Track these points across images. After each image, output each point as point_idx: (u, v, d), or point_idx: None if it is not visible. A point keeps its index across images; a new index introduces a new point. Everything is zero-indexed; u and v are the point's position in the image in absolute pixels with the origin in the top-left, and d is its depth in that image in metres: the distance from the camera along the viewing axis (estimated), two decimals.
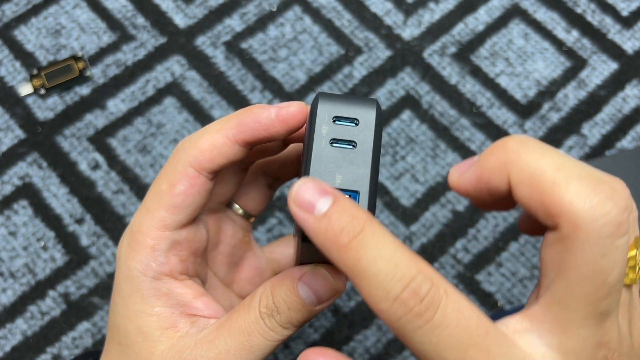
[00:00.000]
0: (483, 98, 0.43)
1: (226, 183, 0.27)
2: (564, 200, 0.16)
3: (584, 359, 0.17)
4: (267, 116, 0.22)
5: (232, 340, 0.22)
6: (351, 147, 0.20)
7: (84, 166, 0.41)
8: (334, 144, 0.20)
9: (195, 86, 0.43)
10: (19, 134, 0.42)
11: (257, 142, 0.23)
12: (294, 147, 0.27)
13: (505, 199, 0.20)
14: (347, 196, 0.19)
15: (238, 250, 0.29)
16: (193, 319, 0.24)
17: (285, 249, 0.31)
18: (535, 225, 0.21)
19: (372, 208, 0.20)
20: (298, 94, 0.43)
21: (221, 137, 0.23)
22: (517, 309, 0.35)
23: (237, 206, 0.29)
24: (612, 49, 0.45)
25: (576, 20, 0.46)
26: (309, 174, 0.20)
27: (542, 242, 0.18)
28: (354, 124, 0.21)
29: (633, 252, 0.18)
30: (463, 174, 0.20)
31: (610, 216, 0.16)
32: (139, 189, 0.41)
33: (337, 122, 0.21)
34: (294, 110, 0.22)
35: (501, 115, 0.43)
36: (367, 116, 0.21)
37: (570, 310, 0.17)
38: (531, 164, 0.17)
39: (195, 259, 0.26)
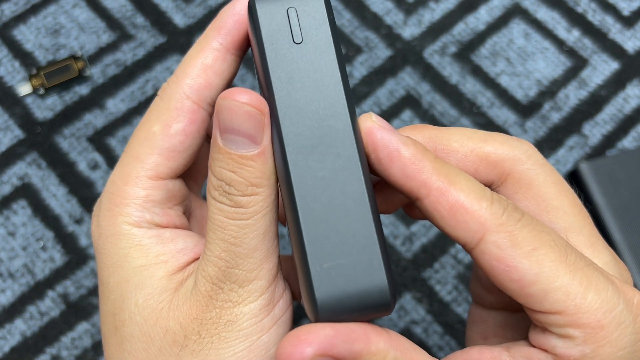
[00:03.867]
0: (483, 98, 0.43)
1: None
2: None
3: None
4: (241, 3, 0.19)
5: (218, 243, 0.18)
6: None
7: (83, 166, 0.41)
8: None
9: None
10: (18, 133, 0.42)
11: (245, 41, 0.20)
12: None
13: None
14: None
15: None
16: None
17: None
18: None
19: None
20: None
21: (209, 52, 0.20)
22: None
23: None
24: (613, 49, 0.45)
25: (577, 20, 0.45)
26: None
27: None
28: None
29: None
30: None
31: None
32: None
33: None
34: None
35: (502, 115, 0.43)
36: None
37: None
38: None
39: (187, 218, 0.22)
